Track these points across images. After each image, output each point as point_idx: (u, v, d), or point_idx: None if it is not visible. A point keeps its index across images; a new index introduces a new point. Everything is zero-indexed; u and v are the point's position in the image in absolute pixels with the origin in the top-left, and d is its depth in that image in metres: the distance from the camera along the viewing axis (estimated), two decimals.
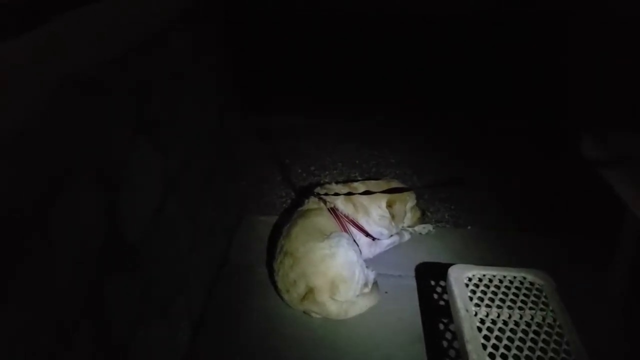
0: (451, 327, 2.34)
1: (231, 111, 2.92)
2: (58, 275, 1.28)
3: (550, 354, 1.83)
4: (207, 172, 2.52)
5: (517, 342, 1.88)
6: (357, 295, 2.51)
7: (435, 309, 2.51)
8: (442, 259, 2.80)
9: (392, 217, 2.85)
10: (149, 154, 1.78)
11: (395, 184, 2.96)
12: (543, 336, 1.90)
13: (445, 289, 2.24)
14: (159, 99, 1.86)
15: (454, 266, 2.27)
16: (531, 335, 1.91)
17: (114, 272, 1.57)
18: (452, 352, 2.26)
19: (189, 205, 2.24)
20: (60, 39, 1.64)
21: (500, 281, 2.18)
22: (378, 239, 2.87)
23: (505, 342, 1.89)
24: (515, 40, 4.63)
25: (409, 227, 3.01)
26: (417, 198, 3.00)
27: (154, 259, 1.85)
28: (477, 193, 3.43)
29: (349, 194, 2.85)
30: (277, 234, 2.74)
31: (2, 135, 1.12)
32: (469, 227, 3.15)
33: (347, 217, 2.78)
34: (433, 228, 3.11)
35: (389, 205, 2.85)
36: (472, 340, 1.89)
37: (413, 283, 2.68)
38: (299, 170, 3.74)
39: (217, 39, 2.61)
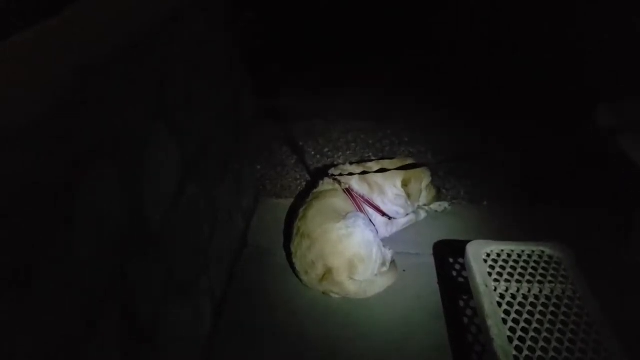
0: (471, 303, 2.35)
1: (245, 94, 2.93)
2: (82, 259, 1.31)
3: (572, 326, 1.83)
4: (224, 155, 2.54)
5: (537, 316, 1.89)
6: (376, 275, 2.53)
7: (454, 286, 2.52)
8: (459, 235, 2.80)
9: (408, 195, 2.85)
10: (167, 138, 1.80)
11: (409, 162, 2.96)
12: (564, 309, 1.91)
13: (464, 266, 2.25)
14: (175, 84, 1.87)
15: (472, 242, 2.28)
16: (552, 308, 1.92)
17: (137, 256, 1.60)
18: (473, 329, 2.28)
19: (207, 188, 2.26)
20: (77, 26, 1.66)
21: (519, 255, 2.19)
22: (394, 218, 2.87)
23: (525, 316, 1.89)
24: (528, 14, 4.57)
25: (424, 205, 3.01)
26: (432, 175, 3.00)
27: (175, 242, 1.88)
28: (492, 168, 3.42)
29: (363, 173, 2.85)
30: (294, 216, 2.76)
31: (25, 122, 1.14)
32: (485, 203, 3.15)
33: (362, 197, 2.79)
34: (449, 205, 3.11)
35: (405, 184, 2.85)
36: (493, 315, 1.90)
37: (431, 261, 2.69)
38: (313, 152, 3.74)
39: (228, 21, 2.60)
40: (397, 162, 2.94)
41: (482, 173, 3.39)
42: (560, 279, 2.05)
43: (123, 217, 1.52)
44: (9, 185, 1.06)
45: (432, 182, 2.98)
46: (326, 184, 2.84)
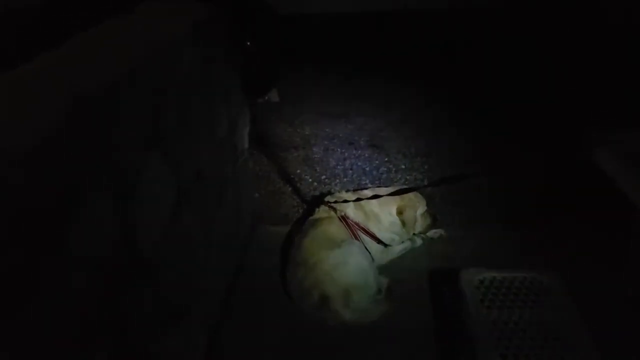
0: (463, 331, 2.35)
1: (242, 122, 2.98)
2: (75, 288, 1.33)
3: (561, 352, 1.84)
4: (220, 183, 2.57)
5: (528, 342, 1.90)
6: (371, 302, 2.54)
7: (448, 313, 2.53)
8: (454, 263, 2.82)
9: (403, 223, 2.88)
10: (161, 167, 1.83)
11: (404, 189, 2.98)
12: (553, 335, 1.92)
13: (458, 293, 2.26)
14: (171, 112, 1.91)
15: (465, 270, 2.29)
16: (542, 335, 1.93)
17: (130, 284, 1.62)
18: (464, 356, 2.27)
19: (203, 216, 2.28)
20: (76, 57, 1.71)
21: (511, 283, 2.20)
22: (390, 246, 2.89)
23: (516, 342, 1.90)
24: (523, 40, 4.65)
25: (420, 232, 3.03)
26: (428, 202, 3.02)
27: (169, 269, 1.90)
28: (488, 195, 3.45)
29: (358, 199, 2.88)
30: (289, 243, 2.78)
31: (21, 151, 1.17)
32: (480, 230, 3.16)
33: (357, 224, 2.81)
34: (445, 232, 3.12)
35: (400, 212, 2.87)
36: (484, 343, 1.91)
37: (426, 288, 2.70)
38: (310, 180, 3.78)
39: (226, 51, 2.67)
40: (393, 190, 2.97)
41: (478, 200, 3.41)
42: (552, 305, 2.06)
43: (116, 246, 1.54)
44: (3, 212, 1.09)
45: (428, 210, 3.01)
46: (322, 212, 2.87)
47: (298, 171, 3.86)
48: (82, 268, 1.36)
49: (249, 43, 4.21)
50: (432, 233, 3.09)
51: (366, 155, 4.03)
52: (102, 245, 1.47)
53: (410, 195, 2.94)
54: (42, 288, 1.19)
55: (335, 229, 2.74)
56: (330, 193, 3.17)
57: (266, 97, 4.62)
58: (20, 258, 1.12)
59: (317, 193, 3.60)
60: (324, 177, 3.80)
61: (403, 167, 3.86)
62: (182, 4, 2.42)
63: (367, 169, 3.87)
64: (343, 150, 4.11)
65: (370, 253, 2.73)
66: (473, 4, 4.55)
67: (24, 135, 1.22)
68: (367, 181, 3.71)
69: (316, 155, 4.05)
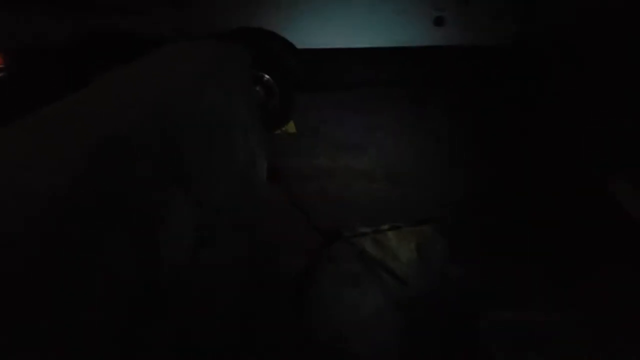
0: None
1: (261, 156, 2.99)
2: (95, 325, 1.32)
3: None
4: (239, 218, 2.57)
5: None
6: None
7: None
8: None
9: (420, 257, 2.86)
10: (183, 205, 1.84)
11: (426, 227, 2.97)
12: None
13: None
14: (193, 148, 1.93)
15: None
16: None
17: (149, 322, 1.61)
18: None
19: (221, 253, 2.28)
20: (103, 95, 1.74)
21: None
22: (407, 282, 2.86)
23: None
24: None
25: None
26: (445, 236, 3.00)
27: (188, 308, 1.89)
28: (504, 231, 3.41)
29: (376, 231, 2.87)
30: (306, 278, 2.76)
31: (49, 191, 1.18)
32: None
33: (375, 259, 2.79)
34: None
35: (418, 248, 2.86)
36: None
37: None
38: (326, 213, 3.76)
39: (248, 88, 2.70)
40: (411, 225, 2.96)
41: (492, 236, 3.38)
42: None
43: (137, 284, 1.54)
44: (28, 247, 1.09)
45: (443, 243, 2.98)
46: (339, 247, 2.86)
47: (314, 204, 3.85)
48: (102, 305, 1.36)
49: (267, 76, 4.29)
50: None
51: (384, 189, 4.01)
52: (123, 282, 1.47)
53: (429, 229, 2.92)
54: (60, 323, 1.19)
55: (352, 264, 2.72)
56: (347, 227, 3.16)
57: (283, 129, 4.67)
58: (46, 295, 1.12)
59: (333, 227, 3.58)
60: (340, 210, 3.78)
61: (422, 200, 3.84)
62: (204, 41, 2.48)
63: (385, 202, 3.85)
64: (361, 183, 4.10)
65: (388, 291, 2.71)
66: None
67: (53, 175, 1.23)
68: (386, 215, 3.69)
69: (333, 188, 4.05)
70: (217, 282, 2.21)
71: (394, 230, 2.91)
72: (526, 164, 4.04)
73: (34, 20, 3.75)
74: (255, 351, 2.56)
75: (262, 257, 3.08)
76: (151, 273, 1.62)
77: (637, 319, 2.51)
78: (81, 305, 1.26)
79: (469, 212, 3.64)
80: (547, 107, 4.77)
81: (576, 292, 2.76)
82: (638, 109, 3.88)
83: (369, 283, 2.58)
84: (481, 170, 4.15)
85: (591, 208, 3.35)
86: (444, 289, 2.93)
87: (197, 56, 2.21)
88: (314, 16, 4.10)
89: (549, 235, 3.33)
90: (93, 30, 3.82)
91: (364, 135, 4.75)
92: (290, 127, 4.81)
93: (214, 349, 2.19)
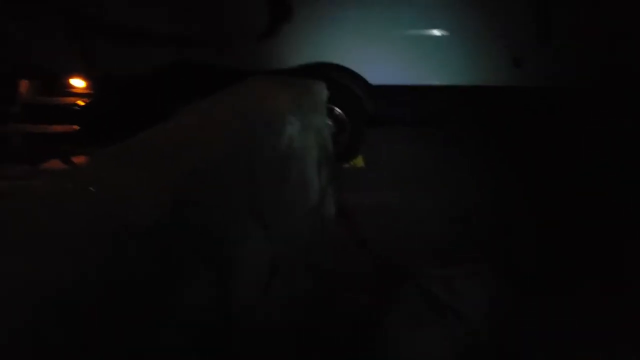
0: None
1: (330, 192, 3.00)
2: (172, 353, 1.35)
3: None
4: (309, 252, 2.58)
5: None
6: None
7: None
8: None
9: None
10: (259, 237, 1.87)
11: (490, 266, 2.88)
12: None
13: None
14: (270, 183, 1.96)
15: None
16: None
17: (226, 351, 1.62)
18: None
19: (292, 284, 2.29)
20: (187, 129, 1.81)
21: None
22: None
23: None
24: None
25: None
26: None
27: (263, 337, 1.90)
28: None
29: (445, 271, 2.81)
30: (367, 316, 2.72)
31: (142, 223, 1.23)
32: None
33: (443, 301, 2.72)
34: None
35: None
36: None
37: None
38: (394, 250, 3.71)
39: (321, 123, 2.74)
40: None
41: None
42: None
43: (213, 313, 1.56)
44: (116, 275, 1.13)
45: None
46: (406, 287, 2.81)
47: (381, 240, 3.80)
48: (179, 334, 1.38)
49: (339, 110, 4.33)
50: None
51: (453, 227, 3.92)
52: (200, 311, 1.49)
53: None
54: (140, 351, 1.21)
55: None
56: (415, 265, 3.10)
57: (351, 163, 4.69)
58: (121, 321, 1.15)
59: (401, 265, 3.52)
60: (408, 248, 3.72)
61: (492, 239, 3.72)
62: (284, 77, 2.54)
63: (455, 241, 3.75)
64: (429, 220, 4.02)
65: None
66: None
67: (143, 207, 1.28)
68: (455, 254, 3.59)
69: (401, 224, 3.99)
70: (282, 316, 2.22)
71: (462, 270, 2.82)
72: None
73: (121, 50, 3.97)
74: None
75: (326, 293, 3.06)
76: (226, 303, 1.64)
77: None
78: (160, 331, 1.29)
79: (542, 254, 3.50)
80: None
81: None
82: None
83: (436, 326, 2.51)
84: (561, 218, 3.99)
85: None
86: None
87: (277, 92, 2.27)
88: (388, 53, 4.13)
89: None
90: (176, 61, 3.99)
91: (435, 172, 4.68)
92: (359, 161, 4.82)
93: None
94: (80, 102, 4.10)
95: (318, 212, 2.75)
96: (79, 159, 4.04)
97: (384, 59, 4.14)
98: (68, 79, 4.19)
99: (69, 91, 4.20)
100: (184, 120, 1.89)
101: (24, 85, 4.31)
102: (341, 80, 4.11)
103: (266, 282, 1.97)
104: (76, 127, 4.04)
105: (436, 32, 4.15)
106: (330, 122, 4.22)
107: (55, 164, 3.96)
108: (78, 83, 4.19)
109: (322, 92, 2.69)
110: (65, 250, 1.06)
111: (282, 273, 2.12)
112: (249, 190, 1.83)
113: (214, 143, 1.70)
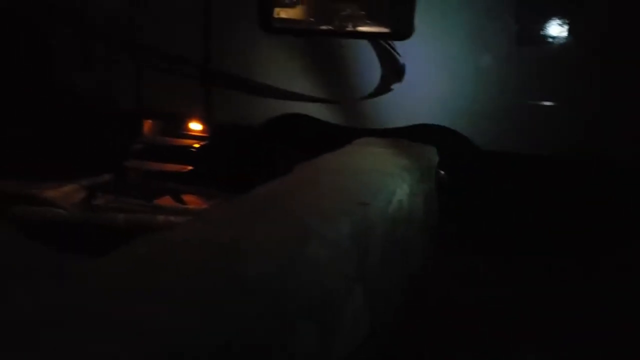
0: None
1: (430, 263, 2.96)
2: None
3: None
4: (406, 315, 2.53)
5: None
6: None
7: None
8: None
9: None
10: (361, 301, 1.86)
11: None
12: None
13: None
14: (376, 249, 1.97)
15: None
16: None
17: None
18: None
19: (388, 344, 2.25)
20: (297, 186, 1.86)
21: None
22: None
23: None
24: None
25: None
26: None
27: None
28: None
29: None
30: None
31: (257, 276, 1.27)
32: None
33: None
34: None
35: None
36: None
37: None
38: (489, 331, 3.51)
39: (429, 188, 2.72)
40: None
41: None
42: None
43: None
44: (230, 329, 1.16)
45: None
46: None
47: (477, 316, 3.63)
48: None
49: (442, 172, 4.28)
50: None
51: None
52: None
53: None
54: None
55: None
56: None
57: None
58: None
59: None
60: (512, 331, 3.51)
61: None
62: (395, 140, 2.56)
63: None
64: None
65: None
66: None
67: (261, 261, 1.33)
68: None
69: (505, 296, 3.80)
70: None
71: None
72: None
73: (238, 100, 4.21)
74: None
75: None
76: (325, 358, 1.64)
77: None
78: None
79: None
80: None
81: None
82: None
83: None
84: None
85: None
86: None
87: (389, 155, 2.29)
88: (502, 119, 4.04)
89: None
90: (287, 114, 4.16)
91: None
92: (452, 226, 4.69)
93: None
94: (196, 145, 4.37)
95: (419, 279, 2.70)
96: (189, 198, 4.28)
97: (497, 125, 4.06)
98: (187, 122, 4.49)
99: (187, 133, 4.50)
100: (298, 177, 1.96)
101: (147, 125, 4.68)
102: (451, 145, 4.05)
103: (361, 343, 1.95)
104: (190, 167, 4.29)
105: (550, 103, 4.05)
106: (437, 187, 4.18)
107: (167, 200, 4.20)
108: (196, 126, 4.48)
109: (433, 157, 2.69)
110: (188, 300, 1.11)
111: (378, 335, 2.10)
112: (355, 250, 1.84)
113: (325, 203, 1.74)
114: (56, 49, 4.60)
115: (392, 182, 2.08)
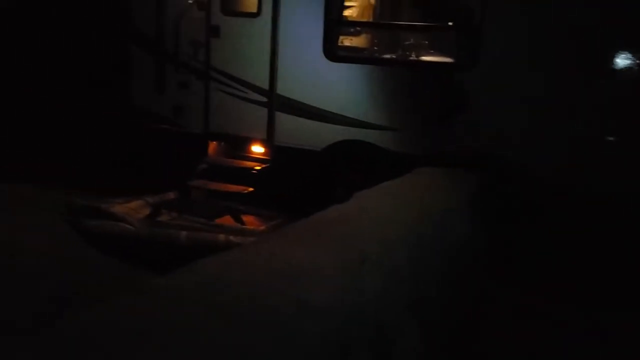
0: None
1: (484, 297, 2.90)
2: None
3: None
4: (465, 347, 2.49)
5: None
6: None
7: None
8: None
9: None
10: (416, 332, 1.85)
11: None
12: None
13: None
14: (434, 278, 1.96)
15: None
16: None
17: None
18: None
19: None
20: (360, 211, 1.88)
21: None
22: None
23: None
24: None
25: None
26: None
27: None
28: None
29: None
30: None
31: (318, 300, 1.29)
32: None
33: None
34: None
35: None
36: None
37: None
38: None
39: (487, 222, 2.68)
40: None
41: None
42: None
43: None
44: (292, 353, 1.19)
45: None
46: None
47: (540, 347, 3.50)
48: None
49: (507, 205, 4.18)
50: None
51: None
52: None
53: None
54: None
55: None
56: None
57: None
58: None
59: None
60: None
61: None
62: (457, 170, 2.55)
63: None
64: None
65: None
66: None
67: (321, 283, 1.35)
68: None
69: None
70: None
71: None
72: None
73: (300, 125, 4.30)
74: None
75: None
76: None
77: None
78: None
79: None
80: None
81: None
82: None
83: None
84: None
85: None
86: None
87: (451, 186, 2.29)
88: (564, 151, 3.91)
89: None
90: (345, 139, 4.20)
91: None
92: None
93: None
94: (257, 167, 4.48)
95: (472, 312, 2.66)
96: (248, 219, 4.38)
97: (559, 156, 3.93)
98: (250, 145, 4.62)
99: (249, 156, 4.63)
100: (358, 204, 1.98)
101: (212, 146, 4.85)
102: (512, 176, 3.95)
103: None
104: (250, 189, 4.40)
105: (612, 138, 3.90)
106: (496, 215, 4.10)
107: (228, 220, 4.31)
108: (258, 149, 4.60)
109: (495, 187, 2.66)
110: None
111: None
112: (411, 280, 1.84)
113: (385, 232, 1.76)
114: (135, 74, 4.87)
115: (452, 216, 2.08)
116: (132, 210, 4.24)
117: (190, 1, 4.54)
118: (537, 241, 4.52)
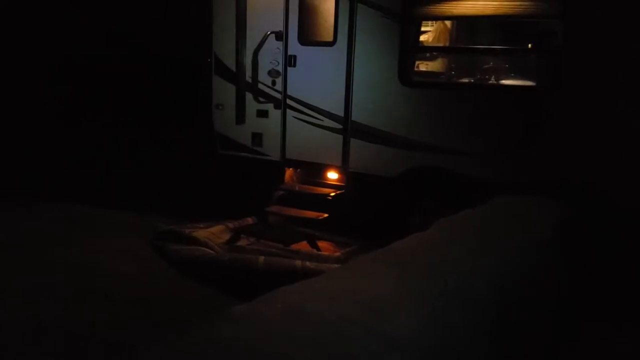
0: None
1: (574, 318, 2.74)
2: None
3: None
4: None
5: None
6: None
7: None
8: None
9: None
10: None
11: None
12: None
13: None
14: (513, 312, 1.89)
15: None
16: None
17: None
18: None
19: None
20: (440, 241, 1.85)
21: None
22: None
23: None
24: None
25: None
26: None
27: None
28: None
29: None
30: None
31: (403, 335, 1.28)
32: None
33: None
34: None
35: None
36: None
37: None
38: None
39: (574, 256, 2.55)
40: None
41: None
42: None
43: None
44: None
45: None
46: None
47: None
48: None
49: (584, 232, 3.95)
50: None
51: None
52: None
53: None
54: None
55: None
56: None
57: None
58: None
59: None
60: None
61: None
62: (536, 199, 2.45)
63: None
64: None
65: None
66: None
67: (403, 316, 1.34)
68: None
69: None
70: None
71: None
72: None
73: (375, 151, 4.28)
74: None
75: None
76: None
77: None
78: None
79: None
80: None
81: None
82: None
83: None
84: None
85: None
86: None
87: (535, 216, 2.21)
88: None
89: None
90: (422, 166, 4.14)
91: None
92: None
93: None
94: (332, 193, 4.50)
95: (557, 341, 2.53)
96: (323, 244, 4.39)
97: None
98: (325, 171, 4.67)
99: (324, 182, 4.67)
100: (437, 232, 1.95)
101: (288, 173, 4.95)
102: (596, 205, 3.74)
103: None
104: (325, 215, 4.42)
105: None
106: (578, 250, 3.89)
107: (304, 245, 4.35)
108: (333, 175, 4.64)
109: (578, 217, 2.54)
110: None
111: None
112: (493, 311, 1.78)
113: (467, 262, 1.72)
114: (217, 104, 5.07)
115: (534, 247, 1.99)
116: (214, 235, 4.38)
117: (268, 32, 4.68)
118: (623, 274, 4.23)
